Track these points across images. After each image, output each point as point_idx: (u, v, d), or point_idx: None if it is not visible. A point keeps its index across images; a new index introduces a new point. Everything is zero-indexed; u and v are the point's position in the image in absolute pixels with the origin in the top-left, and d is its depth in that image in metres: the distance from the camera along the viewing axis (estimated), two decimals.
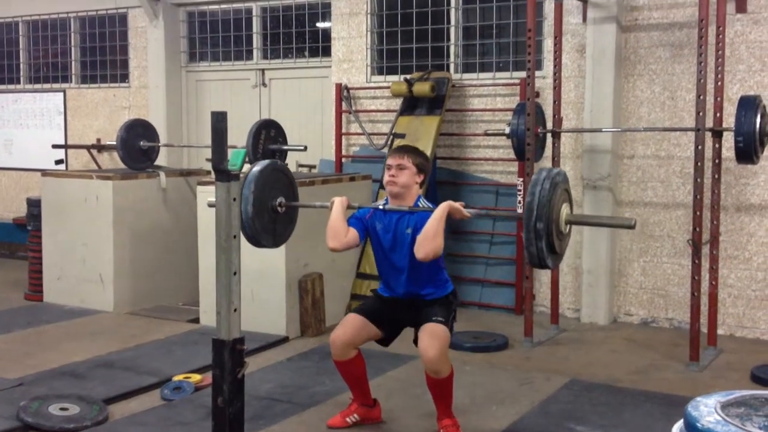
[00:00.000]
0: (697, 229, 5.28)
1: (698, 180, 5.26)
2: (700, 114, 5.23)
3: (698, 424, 1.73)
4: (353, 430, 4.21)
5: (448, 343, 3.98)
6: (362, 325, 4.07)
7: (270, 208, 3.57)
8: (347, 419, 4.23)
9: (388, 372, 5.06)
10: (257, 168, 3.53)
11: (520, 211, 6.49)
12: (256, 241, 3.57)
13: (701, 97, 5.21)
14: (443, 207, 3.77)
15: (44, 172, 7.36)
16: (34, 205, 7.33)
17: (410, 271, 3.98)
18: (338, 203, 4.01)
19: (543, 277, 6.70)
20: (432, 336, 3.88)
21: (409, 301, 4.05)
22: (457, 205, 3.78)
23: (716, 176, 5.56)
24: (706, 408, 1.80)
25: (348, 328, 4.06)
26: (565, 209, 3.30)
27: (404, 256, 3.96)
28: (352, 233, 3.98)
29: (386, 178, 3.99)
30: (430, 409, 4.48)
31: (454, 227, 7.06)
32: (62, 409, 4.34)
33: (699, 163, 5.25)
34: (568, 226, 3.36)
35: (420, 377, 4.58)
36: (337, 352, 4.06)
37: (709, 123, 5.45)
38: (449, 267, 6.92)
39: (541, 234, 3.14)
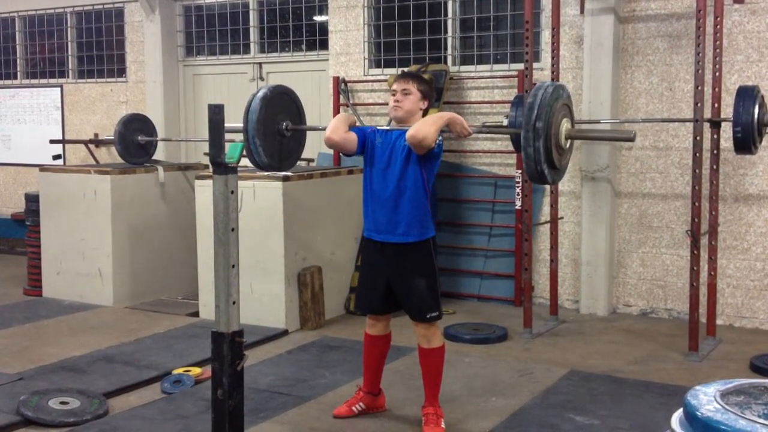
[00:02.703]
0: (696, 220, 5.28)
1: (696, 171, 5.26)
2: (698, 105, 5.22)
3: (698, 413, 1.74)
4: (358, 420, 4.22)
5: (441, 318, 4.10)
6: (378, 318, 4.21)
7: (276, 131, 3.56)
8: (353, 408, 4.27)
9: (388, 363, 5.05)
10: (264, 90, 3.51)
11: (519, 205, 6.50)
12: (261, 163, 3.55)
13: (699, 88, 5.21)
14: (446, 113, 3.88)
15: (42, 168, 7.35)
16: (32, 200, 7.32)
17: (397, 189, 3.95)
18: (342, 114, 4.12)
19: (542, 268, 6.70)
20: (428, 326, 4.03)
21: (391, 248, 4.01)
22: (460, 118, 3.86)
23: (714, 167, 5.55)
24: (706, 397, 1.80)
25: (372, 325, 4.24)
26: (565, 123, 3.24)
27: (395, 169, 3.95)
28: (352, 135, 4.03)
29: (391, 103, 4.04)
30: None
31: (452, 218, 7.07)
32: (62, 403, 4.35)
33: (697, 154, 5.25)
34: (569, 141, 3.30)
35: (419, 369, 4.59)
36: (376, 331, 4.23)
37: (707, 114, 5.44)
38: (448, 259, 6.96)
39: (539, 133, 3.06)
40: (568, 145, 3.27)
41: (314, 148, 7.71)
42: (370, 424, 4.20)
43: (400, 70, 7.04)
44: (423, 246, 4.02)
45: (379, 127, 4.14)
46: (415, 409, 4.27)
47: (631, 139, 3.40)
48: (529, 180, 3.38)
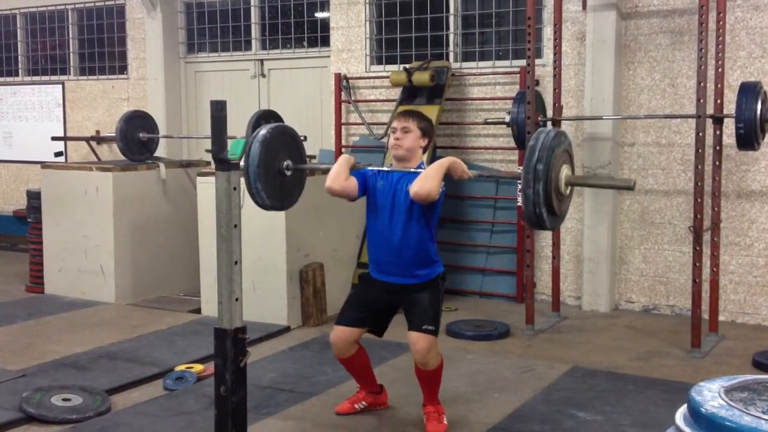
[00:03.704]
0: (698, 216, 5.28)
1: (699, 167, 5.26)
2: (701, 101, 5.21)
3: (702, 409, 1.73)
4: (360, 416, 4.22)
5: (436, 343, 3.98)
6: (349, 334, 4.09)
7: (277, 171, 3.56)
8: (356, 405, 4.27)
9: (389, 360, 5.07)
10: (264, 131, 3.52)
11: (520, 201, 6.49)
12: (263, 205, 3.57)
13: (702, 84, 5.20)
14: (446, 160, 3.86)
15: (44, 165, 7.35)
16: (34, 197, 7.32)
17: (403, 236, 3.95)
18: (344, 158, 4.10)
19: (544, 265, 6.70)
20: (423, 338, 3.93)
21: (398, 287, 4.02)
22: (460, 162, 3.86)
23: (717, 163, 5.55)
24: (710, 393, 1.80)
25: (338, 341, 4.10)
26: (565, 169, 3.23)
27: (400, 217, 3.96)
28: (352, 181, 4.03)
29: (391, 141, 4.06)
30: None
31: (454, 215, 7.06)
32: (65, 399, 4.35)
33: (700, 150, 5.24)
34: (569, 188, 3.30)
35: None
36: (338, 352, 4.14)
37: (710, 110, 5.43)
38: (450, 256, 6.96)
39: (540, 176, 3.04)
40: (567, 192, 3.29)
41: (315, 145, 7.71)
42: (372, 420, 4.20)
43: (401, 67, 7.04)
44: (432, 283, 4.04)
45: (380, 168, 4.14)
46: (417, 406, 4.26)
47: (631, 188, 3.43)
48: (526, 224, 3.41)
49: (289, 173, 3.65)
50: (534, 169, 3.06)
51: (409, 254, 3.98)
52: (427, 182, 3.77)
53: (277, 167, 3.57)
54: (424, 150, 4.09)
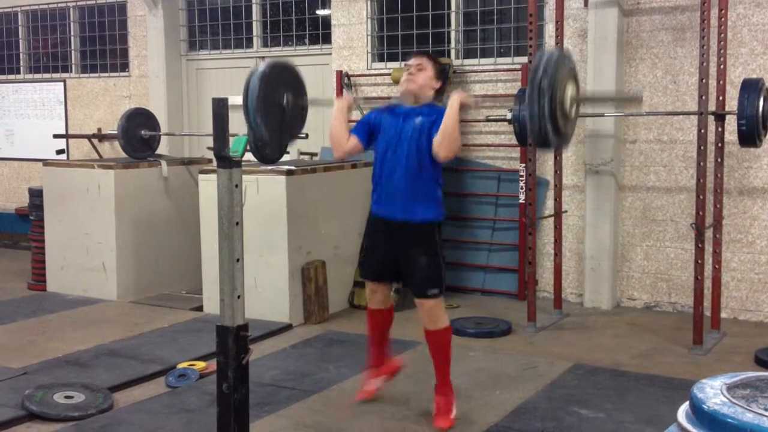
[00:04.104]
0: (700, 213, 5.27)
1: (701, 164, 5.25)
2: (703, 98, 5.21)
3: (704, 406, 1.73)
4: (363, 414, 4.22)
5: (442, 300, 4.07)
6: (375, 287, 4.25)
7: (277, 105, 3.54)
8: (377, 383, 4.34)
9: (393, 356, 5.06)
10: (264, 66, 3.50)
11: (522, 198, 6.49)
12: (263, 139, 3.54)
13: (704, 81, 5.19)
14: (455, 99, 3.81)
15: (46, 162, 7.35)
16: (35, 195, 7.33)
17: (407, 168, 3.94)
18: (336, 108, 4.11)
19: (546, 262, 6.70)
20: (428, 302, 4.01)
21: (397, 225, 4.01)
22: (466, 95, 3.85)
23: (719, 160, 5.54)
24: (712, 390, 1.80)
25: (370, 292, 4.28)
26: (571, 88, 3.18)
27: (405, 150, 3.94)
28: (353, 141, 4.07)
29: (404, 76, 4.02)
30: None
31: (456, 212, 7.06)
32: (67, 397, 4.35)
33: (702, 147, 5.24)
34: (574, 107, 3.24)
35: (424, 363, 4.59)
36: (371, 302, 4.28)
37: (712, 106, 5.43)
38: (452, 253, 6.95)
39: (545, 91, 2.99)
40: (573, 112, 3.21)
41: (317, 142, 7.70)
42: (374, 419, 4.20)
43: (403, 64, 7.01)
44: (427, 227, 4.02)
45: (388, 104, 4.15)
46: (420, 403, 4.27)
47: (639, 100, 3.35)
48: (534, 144, 3.31)
49: (289, 107, 3.61)
50: (539, 84, 3.00)
51: (413, 187, 3.95)
52: (449, 141, 3.77)
53: (277, 101, 3.53)
54: (436, 94, 4.05)
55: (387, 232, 4.08)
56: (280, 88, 3.56)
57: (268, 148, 3.63)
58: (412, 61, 4.04)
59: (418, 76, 3.99)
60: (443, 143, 3.81)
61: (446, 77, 4.15)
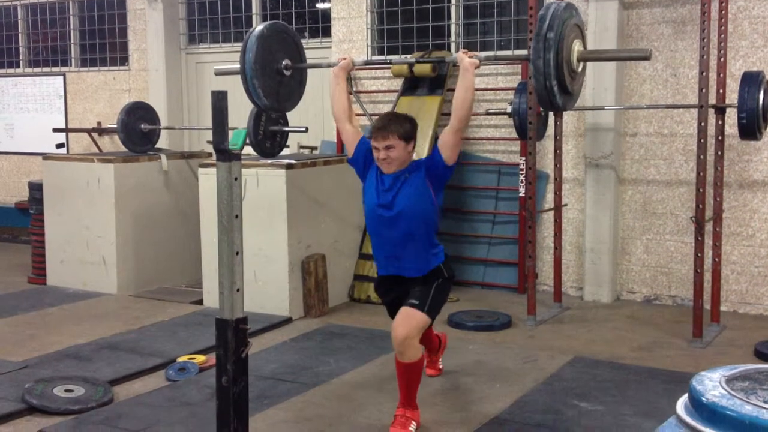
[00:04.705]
0: (700, 207, 5.27)
1: (701, 157, 5.24)
2: (703, 91, 5.20)
3: (703, 398, 1.73)
4: (360, 410, 4.22)
5: (421, 327, 3.85)
6: None
7: (275, 71, 3.48)
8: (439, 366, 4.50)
9: (389, 353, 5.07)
10: (262, 27, 3.43)
11: (522, 192, 6.48)
12: (261, 104, 3.49)
13: (704, 74, 5.18)
14: (468, 65, 3.69)
15: (45, 156, 7.35)
16: (35, 189, 7.33)
17: (408, 237, 3.84)
18: (334, 74, 3.97)
19: (546, 255, 6.70)
20: (405, 316, 3.83)
21: (402, 279, 3.96)
22: (468, 58, 3.72)
23: (719, 153, 5.54)
24: (711, 382, 1.80)
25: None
26: (577, 44, 3.04)
27: (405, 221, 3.83)
28: (354, 131, 4.02)
29: (378, 160, 3.86)
30: (435, 388, 4.49)
31: (456, 205, 7.06)
32: (67, 390, 4.36)
33: (702, 140, 5.23)
34: (581, 63, 3.13)
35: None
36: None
37: (712, 100, 5.42)
38: (452, 246, 6.96)
39: (550, 44, 2.86)
40: (580, 68, 3.09)
41: (317, 136, 7.70)
42: (373, 412, 4.21)
43: (404, 57, 7.01)
44: (433, 272, 3.95)
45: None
46: (420, 396, 4.27)
47: (647, 57, 3.15)
48: (538, 101, 3.15)
49: (288, 73, 3.55)
50: (545, 37, 2.87)
51: (415, 249, 3.89)
52: (466, 95, 3.69)
53: (275, 67, 3.47)
54: (413, 149, 3.94)
55: (394, 285, 4.02)
56: (279, 52, 3.49)
57: (265, 114, 3.57)
58: (377, 144, 3.82)
59: (392, 157, 3.82)
60: (460, 96, 3.70)
61: (415, 131, 3.94)
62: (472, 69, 3.73)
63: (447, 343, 4.71)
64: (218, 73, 3.68)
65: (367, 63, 4.51)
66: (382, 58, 7.46)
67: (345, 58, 4.09)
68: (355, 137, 4.03)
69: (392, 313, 4.08)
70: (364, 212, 4.04)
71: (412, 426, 3.90)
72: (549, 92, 2.94)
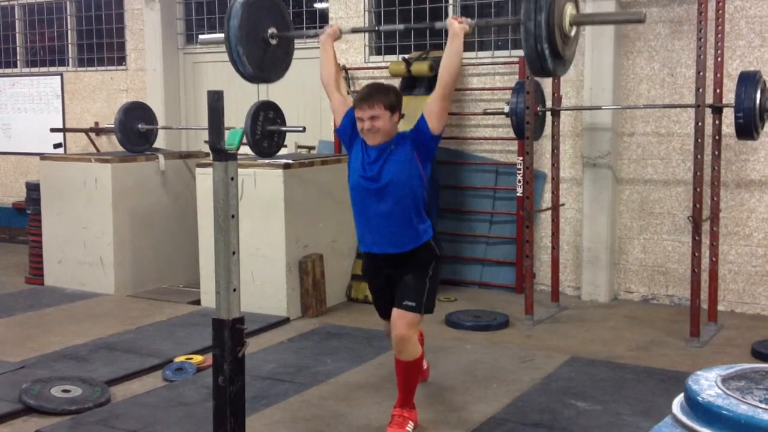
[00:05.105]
0: (698, 206, 5.27)
1: (698, 157, 5.25)
2: (700, 90, 5.20)
3: (699, 398, 1.73)
4: (359, 408, 4.22)
5: (418, 324, 3.85)
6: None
7: (261, 39, 3.44)
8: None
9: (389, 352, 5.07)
10: None
11: (520, 192, 6.49)
12: (246, 73, 3.45)
13: (701, 74, 5.19)
14: (458, 30, 3.63)
15: (43, 156, 7.34)
16: (33, 189, 7.32)
17: (395, 210, 3.75)
18: (321, 42, 3.89)
19: (543, 255, 6.70)
20: (401, 317, 3.80)
21: (392, 258, 3.86)
22: (458, 23, 3.65)
23: (716, 153, 5.54)
24: (707, 382, 1.80)
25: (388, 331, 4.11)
26: (570, 7, 2.95)
27: (391, 193, 3.75)
28: (342, 94, 3.97)
29: (363, 131, 3.76)
30: (432, 387, 4.49)
31: (454, 205, 7.06)
32: (64, 391, 4.35)
33: (699, 140, 5.24)
34: (574, 28, 3.00)
35: (433, 361, 4.59)
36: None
37: (709, 99, 5.42)
38: (450, 246, 6.96)
39: (542, 5, 2.77)
40: (573, 33, 2.98)
41: (315, 135, 7.70)
42: (371, 411, 4.21)
43: (401, 57, 7.01)
44: (423, 255, 3.87)
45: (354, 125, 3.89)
46: (417, 396, 4.27)
47: (641, 20, 3.06)
48: (529, 67, 3.06)
49: (273, 42, 3.52)
50: None
51: (400, 226, 3.79)
52: (453, 60, 3.63)
53: (260, 35, 3.44)
54: (398, 121, 3.84)
55: (380, 265, 3.93)
56: (265, 20, 3.46)
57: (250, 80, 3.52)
58: (361, 114, 3.73)
59: (377, 127, 3.73)
60: (446, 62, 3.66)
61: (400, 103, 3.85)
62: (461, 35, 3.65)
63: (424, 341, 4.38)
64: (202, 42, 3.66)
65: (354, 30, 4.46)
66: (379, 58, 7.46)
67: (332, 26, 4.01)
68: (342, 106, 3.95)
69: (379, 302, 4.06)
70: (350, 186, 3.93)
71: (410, 426, 3.89)
72: (540, 56, 2.86)
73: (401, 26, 4.01)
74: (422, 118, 3.77)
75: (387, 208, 3.78)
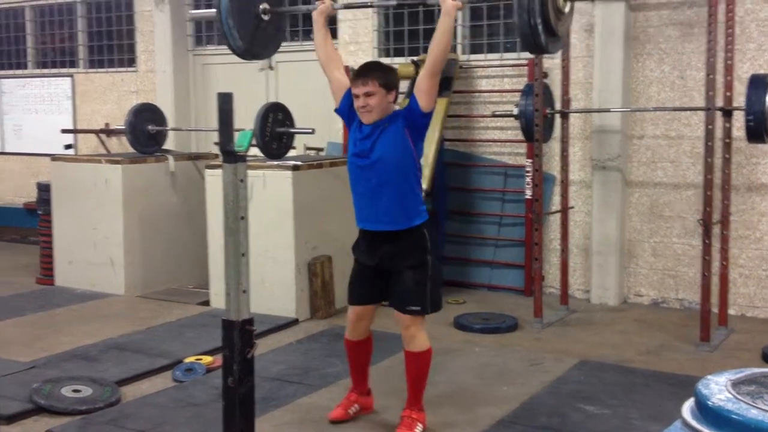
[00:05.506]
0: (708, 210, 5.26)
1: (708, 160, 5.23)
2: (710, 93, 5.19)
3: (709, 402, 1.73)
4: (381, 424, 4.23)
5: (423, 320, 3.88)
6: (362, 313, 4.02)
7: (253, 14, 3.43)
8: (349, 411, 4.11)
9: (396, 354, 5.06)
10: None
11: (529, 194, 6.48)
12: (236, 47, 3.44)
13: (711, 76, 5.17)
14: (449, 8, 3.61)
15: (54, 157, 7.38)
16: (44, 189, 7.35)
17: (386, 186, 3.76)
18: (314, 23, 3.88)
19: (552, 258, 6.68)
20: (405, 319, 3.84)
21: (384, 237, 3.85)
22: (450, 0, 3.60)
23: (727, 156, 5.52)
24: (717, 386, 1.79)
25: (353, 323, 4.06)
26: None
27: (382, 169, 3.76)
28: (341, 79, 3.94)
29: (358, 109, 3.77)
30: (441, 390, 4.49)
31: (462, 207, 7.05)
32: (75, 391, 4.37)
33: (709, 143, 5.22)
34: (568, 3, 2.96)
35: (436, 356, 4.58)
36: (349, 331, 4.08)
37: (720, 102, 5.41)
38: (458, 248, 6.96)
39: None
40: (567, 9, 2.94)
41: (323, 137, 7.70)
42: (380, 413, 4.20)
43: (409, 59, 7.01)
44: (414, 233, 3.86)
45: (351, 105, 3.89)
46: (429, 398, 4.26)
47: None
48: (521, 41, 3.01)
49: (266, 17, 3.50)
50: None
51: (391, 201, 3.79)
52: (442, 38, 3.63)
53: (253, 10, 3.43)
54: (394, 101, 3.84)
55: (372, 246, 3.93)
56: None
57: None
58: (356, 90, 3.74)
59: (371, 105, 3.73)
60: (435, 41, 3.67)
61: (397, 82, 3.87)
62: (453, 12, 3.64)
63: (371, 407, 4.24)
64: (192, 19, 3.66)
65: (347, 6, 4.42)
66: (388, 59, 7.46)
67: (324, 2, 3.95)
68: (341, 86, 3.94)
69: (357, 283, 3.99)
70: (348, 165, 3.96)
71: (418, 428, 3.89)
72: (533, 30, 2.81)
73: (393, 2, 3.98)
74: (413, 96, 3.78)
75: (378, 184, 3.80)
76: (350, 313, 4.08)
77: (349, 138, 3.95)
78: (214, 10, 3.69)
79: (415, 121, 3.78)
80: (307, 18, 8.05)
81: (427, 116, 3.79)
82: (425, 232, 3.90)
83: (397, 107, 3.91)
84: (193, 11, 3.61)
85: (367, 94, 3.74)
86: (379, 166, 3.78)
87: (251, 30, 3.43)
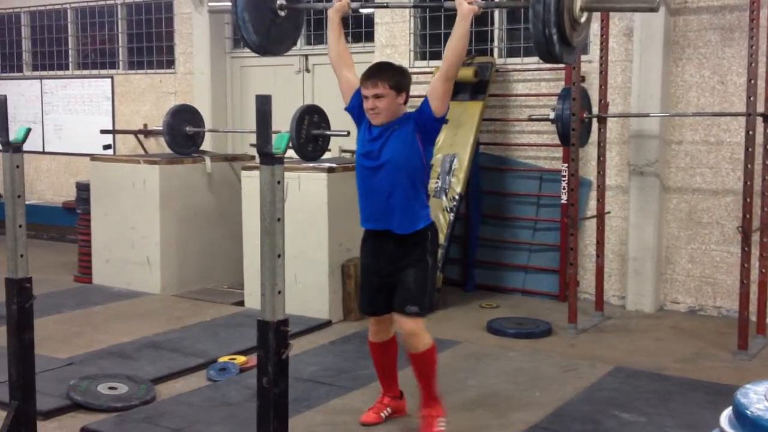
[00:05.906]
0: (747, 216, 5.18)
1: (748, 166, 5.16)
2: (751, 99, 5.12)
3: (747, 412, 1.70)
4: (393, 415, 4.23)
5: (422, 321, 3.86)
6: (377, 319, 4.02)
7: (269, 9, 3.42)
8: (381, 414, 4.11)
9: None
10: None
11: (564, 199, 6.43)
12: (250, 41, 3.45)
13: (752, 82, 5.10)
14: (466, 13, 3.55)
15: (93, 157, 7.49)
16: (83, 189, 7.47)
17: (394, 189, 3.74)
18: (329, 21, 3.82)
19: (587, 263, 6.63)
20: (406, 320, 3.82)
21: (389, 238, 3.83)
22: (467, 3, 3.55)
23: (767, 162, 5.44)
24: (756, 395, 1.77)
25: (373, 326, 4.08)
26: None
27: (389, 171, 3.74)
28: (352, 73, 3.91)
29: (367, 111, 3.75)
30: (474, 394, 4.48)
31: (497, 212, 7.03)
32: (111, 388, 4.44)
33: (749, 149, 5.15)
34: (584, 14, 2.93)
35: (463, 363, 4.59)
36: (371, 334, 4.09)
37: (761, 108, 5.33)
38: (492, 252, 6.94)
39: None
40: (583, 19, 2.91)
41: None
42: (412, 416, 4.20)
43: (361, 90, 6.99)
44: (418, 235, 3.84)
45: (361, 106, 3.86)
46: (453, 400, 4.26)
47: (654, 9, 2.98)
48: (536, 50, 2.99)
49: (282, 13, 3.50)
50: None
51: (398, 194, 3.77)
52: (458, 42, 3.57)
53: (269, 5, 3.42)
54: (405, 103, 3.80)
55: (378, 247, 3.91)
56: None
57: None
58: (366, 92, 3.70)
59: (380, 107, 3.70)
60: (450, 45, 3.61)
61: (408, 83, 3.81)
62: (469, 16, 3.58)
63: (403, 410, 4.23)
64: (212, 11, 3.65)
65: (363, 7, 4.39)
66: (424, 63, 7.47)
67: (340, 0, 3.90)
68: (351, 85, 3.91)
69: (367, 290, 3.98)
70: (356, 167, 3.95)
71: (440, 422, 3.89)
72: (547, 40, 2.79)
73: (410, 2, 3.96)
74: (425, 99, 3.75)
75: (385, 186, 3.78)
76: (371, 326, 4.11)
77: (358, 137, 3.94)
78: (229, 3, 3.70)
79: (426, 124, 3.76)
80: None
81: (439, 121, 3.76)
82: (429, 234, 3.89)
83: (411, 110, 3.87)
84: (212, 3, 3.61)
85: (377, 96, 3.71)
86: (387, 169, 3.77)
87: (267, 25, 3.43)
